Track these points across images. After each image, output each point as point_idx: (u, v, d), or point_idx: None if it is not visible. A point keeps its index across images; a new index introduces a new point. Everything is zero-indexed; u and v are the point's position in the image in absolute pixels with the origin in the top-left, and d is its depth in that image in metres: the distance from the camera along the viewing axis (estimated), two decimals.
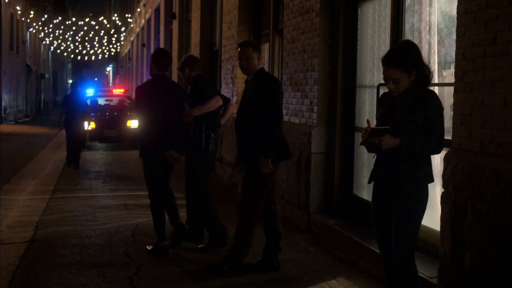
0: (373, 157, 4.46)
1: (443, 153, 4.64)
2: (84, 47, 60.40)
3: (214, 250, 6.45)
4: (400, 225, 4.18)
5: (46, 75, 58.30)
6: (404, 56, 4.15)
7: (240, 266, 5.83)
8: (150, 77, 6.54)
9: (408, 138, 4.09)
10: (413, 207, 4.17)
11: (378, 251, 5.70)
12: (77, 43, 58.97)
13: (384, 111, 4.32)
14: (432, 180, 4.24)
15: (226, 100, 6.90)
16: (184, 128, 6.30)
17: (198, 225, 6.70)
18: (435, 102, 4.12)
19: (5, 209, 8.64)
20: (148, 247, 6.46)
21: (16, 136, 23.67)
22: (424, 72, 4.20)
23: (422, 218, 4.24)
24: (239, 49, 5.84)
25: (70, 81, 77.35)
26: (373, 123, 4.36)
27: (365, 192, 7.07)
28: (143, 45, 32.02)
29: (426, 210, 4.25)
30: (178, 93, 6.43)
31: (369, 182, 4.48)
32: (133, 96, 27.13)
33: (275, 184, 6.01)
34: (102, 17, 52.85)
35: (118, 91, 26.82)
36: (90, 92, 23.21)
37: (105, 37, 58.23)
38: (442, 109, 4.15)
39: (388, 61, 4.17)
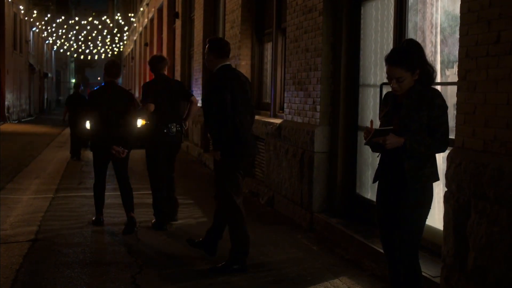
0: (377, 156, 4.45)
1: (446, 152, 4.64)
2: (87, 47, 60.46)
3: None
4: (404, 224, 4.18)
5: (49, 75, 58.39)
6: (408, 55, 4.15)
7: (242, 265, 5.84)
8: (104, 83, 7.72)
9: (412, 137, 4.09)
10: (418, 206, 4.17)
11: (381, 250, 5.70)
12: (80, 42, 59.05)
13: (388, 110, 4.32)
14: (437, 179, 4.24)
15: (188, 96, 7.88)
16: (130, 126, 7.37)
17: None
18: (439, 101, 4.12)
19: (9, 208, 8.66)
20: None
21: (19, 135, 23.71)
22: (428, 71, 4.20)
23: (426, 217, 4.23)
24: None
25: (73, 81, 77.58)
26: (377, 123, 4.37)
27: (368, 191, 7.07)
28: (146, 44, 32.02)
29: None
30: (125, 98, 7.52)
31: (374, 181, 4.47)
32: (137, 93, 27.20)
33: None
34: (105, 17, 52.94)
35: None
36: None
37: (108, 36, 58.25)
38: (446, 107, 4.15)
39: (391, 60, 4.17)
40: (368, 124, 6.20)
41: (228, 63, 6.07)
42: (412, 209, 4.17)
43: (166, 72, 7.91)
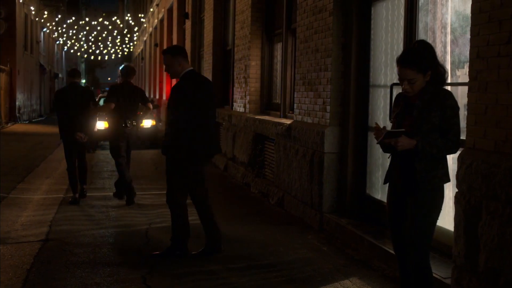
0: (388, 157, 4.45)
1: (456, 153, 4.62)
2: (97, 47, 60.64)
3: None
4: (415, 225, 4.17)
5: (60, 75, 58.61)
6: (420, 57, 4.14)
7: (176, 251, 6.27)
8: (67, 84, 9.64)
9: (424, 139, 4.08)
10: (429, 207, 4.16)
11: (391, 251, 5.70)
12: (90, 43, 59.22)
13: (399, 111, 4.32)
14: (448, 180, 4.23)
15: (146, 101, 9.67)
16: (89, 118, 9.36)
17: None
18: (451, 102, 4.11)
19: (20, 208, 8.70)
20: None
21: (30, 136, 23.81)
22: (440, 72, 4.19)
23: (437, 218, 4.23)
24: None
25: (84, 81, 77.83)
26: (387, 123, 4.36)
27: (378, 192, 7.05)
28: (156, 45, 32.09)
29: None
30: (87, 96, 9.44)
31: (385, 182, 4.47)
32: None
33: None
34: (115, 17, 53.02)
35: None
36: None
37: (118, 37, 58.41)
38: (458, 108, 4.15)
39: (403, 61, 4.16)
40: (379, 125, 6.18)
41: (191, 68, 6.48)
42: (423, 211, 4.17)
43: (132, 81, 9.61)
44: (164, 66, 6.33)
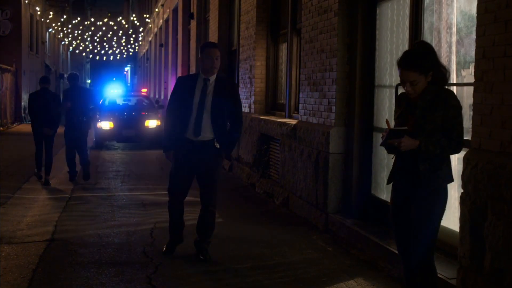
0: (392, 158, 4.44)
1: (461, 153, 4.61)
2: (103, 47, 60.75)
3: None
4: (419, 226, 4.17)
5: (65, 75, 58.69)
6: (421, 58, 4.13)
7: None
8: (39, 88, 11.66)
9: (427, 139, 4.07)
10: (433, 208, 4.16)
11: (396, 251, 5.69)
12: (95, 43, 59.33)
13: (402, 111, 4.31)
14: (451, 180, 4.23)
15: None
16: (58, 115, 11.51)
17: None
18: (454, 101, 4.11)
19: (25, 208, 8.72)
20: None
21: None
22: (441, 72, 4.19)
23: (441, 219, 4.22)
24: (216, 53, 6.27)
25: (89, 81, 77.94)
26: (392, 124, 4.35)
27: (384, 192, 7.04)
28: (161, 45, 32.12)
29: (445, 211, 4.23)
30: (53, 97, 11.55)
31: (388, 183, 4.46)
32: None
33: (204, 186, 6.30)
34: (120, 17, 53.12)
35: (143, 90, 28.85)
36: (114, 92, 23.78)
37: (124, 37, 58.48)
38: (460, 108, 4.14)
39: (404, 64, 4.15)
40: (384, 125, 6.17)
41: None
42: (427, 211, 4.16)
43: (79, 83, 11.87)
44: (214, 61, 6.17)
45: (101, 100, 21.08)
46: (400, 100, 4.44)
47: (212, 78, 6.18)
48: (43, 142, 11.48)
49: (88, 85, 71.90)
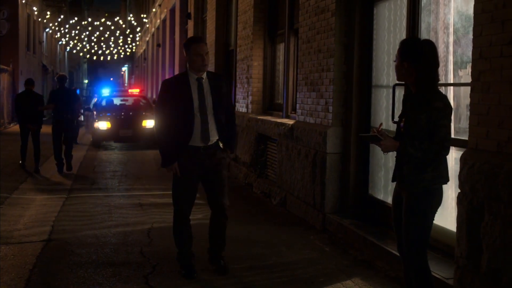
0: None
1: (459, 153, 4.62)
2: (100, 47, 60.68)
3: None
4: (406, 227, 4.16)
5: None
6: (404, 44, 4.21)
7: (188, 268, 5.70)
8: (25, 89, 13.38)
9: (408, 141, 4.06)
10: (419, 210, 4.12)
11: (394, 251, 5.71)
12: (92, 43, 59.27)
13: (401, 112, 4.33)
14: (441, 182, 4.15)
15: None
16: (41, 113, 13.25)
17: None
18: (437, 104, 4.04)
19: (22, 208, 8.71)
20: None
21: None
22: (425, 72, 4.13)
23: (430, 221, 4.15)
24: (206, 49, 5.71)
25: (86, 81, 77.85)
26: (389, 124, 4.36)
27: (381, 192, 7.05)
28: (158, 45, 32.11)
29: (441, 211, 4.22)
30: (37, 99, 13.19)
31: (392, 181, 4.48)
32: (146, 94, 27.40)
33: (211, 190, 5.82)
34: (117, 17, 53.15)
35: (134, 91, 27.03)
36: (105, 92, 23.28)
37: (121, 37, 58.45)
38: (445, 110, 4.05)
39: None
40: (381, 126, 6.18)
41: None
42: (411, 213, 4.14)
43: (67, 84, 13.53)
44: (205, 59, 5.58)
45: (95, 100, 21.02)
46: (403, 100, 4.43)
47: (204, 75, 5.68)
48: (28, 137, 13.06)
49: (85, 85, 71.86)
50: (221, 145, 5.74)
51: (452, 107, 4.22)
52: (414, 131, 4.09)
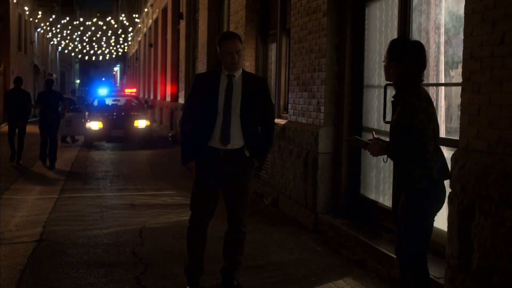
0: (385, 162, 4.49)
1: (450, 153, 4.62)
2: (92, 47, 60.57)
3: None
4: (403, 228, 4.16)
5: (54, 75, 58.50)
6: (392, 45, 4.22)
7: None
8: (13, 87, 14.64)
9: (394, 143, 4.07)
10: (412, 210, 4.10)
11: (385, 251, 5.75)
12: (84, 43, 59.16)
13: (392, 112, 4.34)
14: (431, 181, 4.09)
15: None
16: (29, 109, 14.61)
17: None
18: (412, 99, 4.00)
19: (14, 209, 8.68)
20: None
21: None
22: (408, 74, 4.13)
23: (427, 220, 4.14)
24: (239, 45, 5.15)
25: (78, 81, 77.65)
26: (381, 124, 4.37)
27: (372, 192, 7.06)
28: (150, 45, 32.07)
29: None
30: (25, 96, 14.37)
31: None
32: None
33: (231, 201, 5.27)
34: (109, 17, 53.02)
35: (130, 90, 27.27)
36: (103, 92, 22.83)
37: (113, 37, 58.34)
38: (422, 105, 3.98)
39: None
40: (371, 125, 6.21)
41: None
42: (405, 213, 4.14)
43: (53, 86, 14.47)
44: (235, 57, 5.03)
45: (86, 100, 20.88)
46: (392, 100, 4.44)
47: (238, 74, 5.13)
48: (15, 131, 14.14)
49: (77, 85, 71.66)
50: (247, 153, 5.15)
51: (440, 104, 4.23)
52: (397, 132, 4.09)
